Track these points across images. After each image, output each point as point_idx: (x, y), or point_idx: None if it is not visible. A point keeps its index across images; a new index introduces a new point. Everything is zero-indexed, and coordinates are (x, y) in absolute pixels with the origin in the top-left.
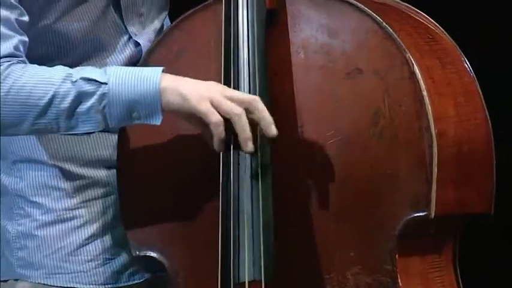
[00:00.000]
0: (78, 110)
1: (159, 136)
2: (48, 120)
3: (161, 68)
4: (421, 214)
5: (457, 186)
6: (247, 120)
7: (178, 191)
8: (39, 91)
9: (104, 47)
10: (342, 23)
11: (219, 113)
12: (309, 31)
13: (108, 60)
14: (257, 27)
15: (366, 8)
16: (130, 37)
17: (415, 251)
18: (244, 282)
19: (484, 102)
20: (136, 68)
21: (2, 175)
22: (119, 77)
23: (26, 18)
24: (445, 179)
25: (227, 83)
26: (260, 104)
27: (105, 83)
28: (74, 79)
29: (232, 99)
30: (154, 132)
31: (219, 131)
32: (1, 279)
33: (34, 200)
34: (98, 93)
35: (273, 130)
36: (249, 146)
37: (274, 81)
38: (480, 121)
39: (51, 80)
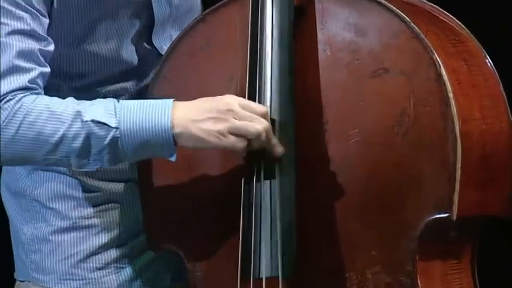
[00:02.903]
0: (89, 150)
1: None
2: (58, 157)
3: (171, 105)
4: (443, 215)
5: (480, 188)
6: (268, 130)
7: (199, 186)
8: (49, 128)
9: (134, 66)
10: (369, 22)
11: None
12: (336, 29)
13: (137, 77)
14: (284, 23)
15: (393, 7)
16: (159, 53)
17: (436, 253)
18: (264, 277)
19: (507, 105)
20: (146, 106)
21: (19, 180)
22: (131, 122)
23: (51, 47)
24: (468, 181)
25: (252, 79)
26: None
27: (117, 128)
28: (85, 119)
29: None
30: None
31: (244, 151)
32: (19, 279)
33: (51, 206)
34: (109, 137)
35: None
36: (279, 151)
37: (300, 78)
38: (504, 124)
39: (61, 118)
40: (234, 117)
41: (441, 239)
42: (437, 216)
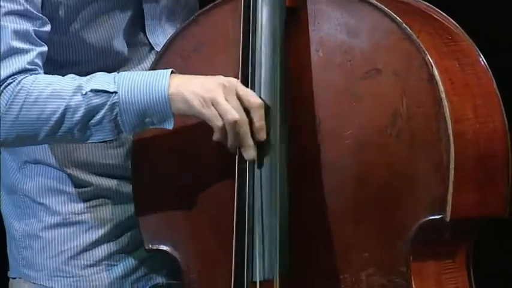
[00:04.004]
0: (90, 121)
1: (173, 131)
2: (62, 133)
3: (169, 72)
4: (436, 217)
5: (475, 189)
6: (247, 127)
7: (193, 186)
8: (51, 106)
9: (124, 58)
10: (361, 23)
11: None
12: (328, 30)
13: (128, 69)
14: (277, 24)
15: (385, 8)
16: (152, 48)
17: (430, 253)
18: (259, 281)
19: (501, 103)
20: (145, 73)
21: (11, 175)
22: (128, 86)
23: (47, 28)
24: (462, 182)
25: (245, 80)
26: (262, 111)
27: (115, 92)
28: (84, 91)
29: (238, 96)
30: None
31: (223, 136)
32: (11, 276)
33: (41, 201)
34: (109, 103)
35: (262, 135)
36: (250, 154)
37: (293, 79)
38: (498, 123)
39: (61, 94)
40: (224, 93)
41: (436, 240)
42: (431, 217)
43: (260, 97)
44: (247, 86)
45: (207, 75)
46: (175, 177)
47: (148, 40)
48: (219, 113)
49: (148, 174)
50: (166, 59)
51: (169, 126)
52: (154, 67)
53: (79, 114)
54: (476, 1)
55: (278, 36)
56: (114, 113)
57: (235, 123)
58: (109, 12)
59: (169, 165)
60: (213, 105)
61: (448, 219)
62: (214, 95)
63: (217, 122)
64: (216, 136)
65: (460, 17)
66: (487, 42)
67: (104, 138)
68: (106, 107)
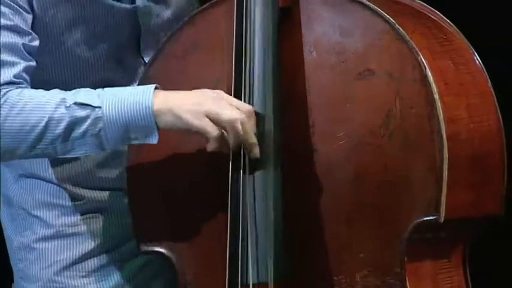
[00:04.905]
0: (73, 134)
1: (167, 136)
2: (44, 146)
3: (153, 87)
4: (430, 218)
5: (470, 189)
6: (250, 125)
7: (188, 190)
8: (34, 118)
9: (118, 77)
10: (354, 23)
11: (219, 125)
12: (321, 30)
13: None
14: (269, 25)
15: (378, 9)
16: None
17: (426, 253)
18: (253, 284)
19: (496, 102)
20: (129, 89)
21: (8, 186)
22: (112, 101)
23: (36, 43)
24: (457, 182)
25: (237, 80)
26: (254, 119)
27: (99, 107)
28: (68, 104)
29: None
30: (162, 131)
31: (221, 146)
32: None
33: (36, 214)
34: (92, 117)
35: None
36: (255, 152)
37: (287, 80)
38: (493, 122)
39: (45, 106)
40: (214, 103)
41: (431, 240)
42: (425, 218)
43: (253, 99)
44: (240, 86)
45: (202, 75)
46: (170, 181)
47: (144, 60)
48: (214, 122)
49: (143, 177)
50: (160, 60)
51: (154, 140)
52: (148, 68)
53: (62, 126)
54: (472, 0)
55: (271, 36)
56: (98, 128)
57: (236, 121)
58: (99, 28)
59: (164, 169)
60: (206, 116)
61: (442, 220)
62: (207, 107)
63: (213, 132)
64: (211, 146)
65: (455, 16)
66: (482, 41)
67: (85, 153)
68: (89, 120)
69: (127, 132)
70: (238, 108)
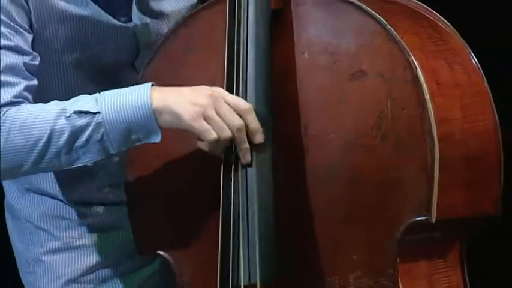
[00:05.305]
0: (76, 144)
1: (164, 140)
2: (49, 159)
3: (149, 85)
4: (422, 218)
5: (465, 189)
6: (244, 133)
7: (183, 192)
8: (36, 132)
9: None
10: (346, 24)
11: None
12: (313, 31)
13: None
14: (261, 26)
15: (370, 10)
16: None
17: (420, 253)
18: (244, 285)
19: (492, 101)
20: (125, 90)
21: (14, 198)
22: (111, 104)
23: (37, 61)
24: (449, 182)
25: (230, 82)
26: (253, 114)
27: (99, 112)
28: (68, 114)
29: (229, 104)
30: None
31: (214, 148)
32: None
33: (42, 226)
34: (93, 123)
35: (259, 138)
36: (247, 158)
37: (279, 81)
38: (489, 121)
39: (46, 118)
40: (214, 106)
41: (425, 240)
42: (417, 219)
43: (245, 99)
44: (233, 87)
45: (196, 77)
46: (165, 185)
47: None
48: (212, 127)
49: (141, 181)
50: (155, 63)
51: (157, 139)
52: (144, 71)
53: (64, 137)
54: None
55: (263, 38)
56: (100, 134)
57: (237, 131)
58: (97, 49)
59: (160, 173)
60: (205, 119)
61: (433, 220)
62: (204, 109)
63: (210, 136)
64: (205, 146)
65: (452, 16)
66: (478, 41)
67: (92, 160)
68: (91, 127)
69: (129, 134)
70: (239, 106)
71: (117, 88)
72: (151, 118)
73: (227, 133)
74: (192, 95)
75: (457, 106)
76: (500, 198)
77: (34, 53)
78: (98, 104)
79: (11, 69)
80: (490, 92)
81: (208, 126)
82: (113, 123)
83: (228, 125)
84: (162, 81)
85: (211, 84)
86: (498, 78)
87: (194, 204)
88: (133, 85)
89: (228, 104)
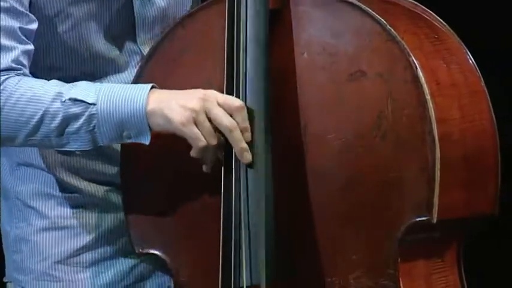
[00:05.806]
0: (67, 129)
1: (162, 135)
2: (40, 137)
3: (149, 86)
4: (423, 218)
5: (463, 189)
6: (239, 133)
7: (182, 192)
8: (30, 109)
9: (113, 65)
10: (345, 25)
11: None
12: (312, 32)
13: (117, 78)
14: (260, 27)
15: (369, 10)
16: (143, 56)
17: (419, 253)
18: (247, 286)
19: (490, 101)
20: (125, 86)
21: (6, 177)
22: (108, 98)
23: (34, 25)
24: (449, 182)
25: (229, 83)
26: (244, 112)
27: (94, 104)
28: (63, 99)
29: (220, 105)
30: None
31: (205, 155)
32: (5, 280)
33: (32, 204)
34: (87, 114)
35: (247, 137)
36: (245, 158)
37: (278, 81)
38: (486, 121)
39: (42, 98)
40: (205, 110)
41: (425, 240)
42: (418, 219)
43: (245, 99)
44: (232, 88)
45: (194, 78)
46: (164, 182)
47: (140, 49)
48: (202, 133)
49: (138, 178)
50: (152, 63)
51: (146, 141)
52: (140, 72)
53: (56, 120)
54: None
55: (262, 38)
56: (92, 125)
57: (230, 132)
58: (99, 17)
59: (158, 170)
60: (196, 124)
61: (434, 220)
62: (196, 114)
63: (199, 143)
64: (194, 153)
65: (449, 15)
66: (475, 40)
67: (80, 148)
68: (83, 117)
69: (121, 130)
70: (229, 105)
71: (114, 53)
72: (143, 119)
73: (216, 141)
74: (184, 99)
75: (455, 106)
76: (497, 198)
77: (30, 15)
78: (96, 94)
79: (7, 33)
80: (487, 92)
81: (199, 133)
82: (106, 117)
83: (220, 127)
84: (158, 81)
85: (208, 84)
86: (495, 78)
87: (192, 203)
88: (133, 58)
89: (220, 104)
